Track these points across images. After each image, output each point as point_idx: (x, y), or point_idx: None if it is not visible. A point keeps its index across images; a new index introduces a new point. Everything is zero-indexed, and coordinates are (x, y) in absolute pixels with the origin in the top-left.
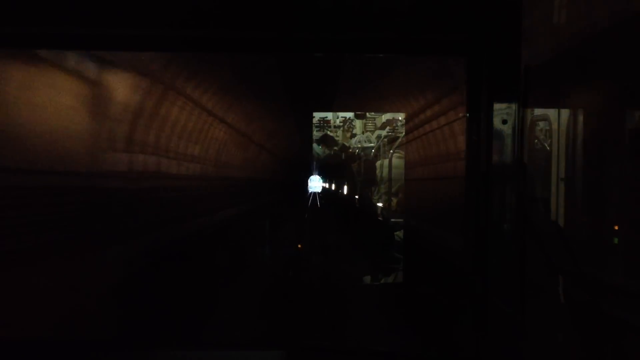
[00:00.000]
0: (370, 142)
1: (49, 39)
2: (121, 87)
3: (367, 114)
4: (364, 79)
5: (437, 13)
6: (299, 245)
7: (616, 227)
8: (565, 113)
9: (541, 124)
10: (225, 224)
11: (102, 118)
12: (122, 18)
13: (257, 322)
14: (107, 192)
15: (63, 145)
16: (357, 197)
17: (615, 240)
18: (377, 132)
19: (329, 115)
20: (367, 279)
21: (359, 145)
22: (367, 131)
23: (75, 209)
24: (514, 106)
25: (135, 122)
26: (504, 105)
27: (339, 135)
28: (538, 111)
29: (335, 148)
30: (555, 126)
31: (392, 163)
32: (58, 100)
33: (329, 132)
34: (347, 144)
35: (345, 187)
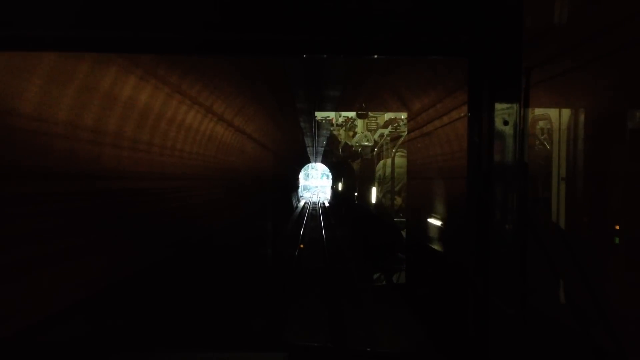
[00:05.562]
0: (369, 141)
1: (47, 41)
2: None
3: (370, 113)
4: (365, 79)
5: (438, 14)
6: (301, 245)
7: (617, 227)
8: (565, 113)
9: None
10: None
11: None
12: (120, 20)
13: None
14: None
15: None
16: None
17: (617, 240)
18: (380, 130)
19: (331, 114)
20: (369, 280)
21: (358, 144)
22: (368, 130)
23: None
24: (515, 106)
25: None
26: (505, 106)
27: (341, 134)
28: (538, 110)
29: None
30: (556, 126)
31: (395, 162)
32: None
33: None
34: (349, 143)
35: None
